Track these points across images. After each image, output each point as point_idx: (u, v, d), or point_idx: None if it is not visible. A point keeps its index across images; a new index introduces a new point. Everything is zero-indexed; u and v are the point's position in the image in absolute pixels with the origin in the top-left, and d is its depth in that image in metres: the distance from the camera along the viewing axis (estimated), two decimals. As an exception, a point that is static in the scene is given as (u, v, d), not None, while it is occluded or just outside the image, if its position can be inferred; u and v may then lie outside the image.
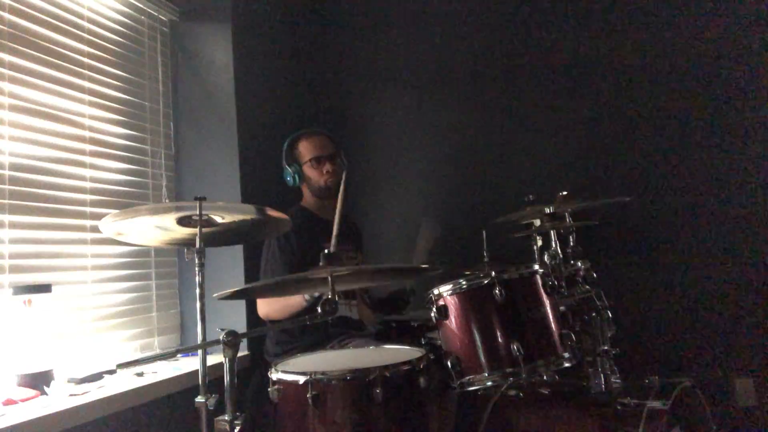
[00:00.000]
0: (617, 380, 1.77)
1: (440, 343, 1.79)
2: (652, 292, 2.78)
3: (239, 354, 1.46)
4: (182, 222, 1.52)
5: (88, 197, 2.00)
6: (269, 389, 1.51)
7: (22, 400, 1.53)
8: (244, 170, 2.46)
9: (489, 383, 1.67)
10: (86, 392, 1.66)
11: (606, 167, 2.90)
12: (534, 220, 2.03)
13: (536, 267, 1.78)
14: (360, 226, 2.63)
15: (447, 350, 1.73)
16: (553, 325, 1.71)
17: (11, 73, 1.75)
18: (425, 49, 3.24)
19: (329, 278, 1.40)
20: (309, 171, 2.34)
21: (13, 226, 1.71)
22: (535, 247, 1.99)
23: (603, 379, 1.76)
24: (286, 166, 2.35)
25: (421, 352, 1.59)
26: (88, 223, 1.98)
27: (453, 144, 3.18)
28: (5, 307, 1.62)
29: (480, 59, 3.14)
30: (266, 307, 2.14)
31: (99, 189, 2.06)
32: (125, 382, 1.80)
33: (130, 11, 2.31)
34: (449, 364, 1.69)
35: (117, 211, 1.48)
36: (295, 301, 2.01)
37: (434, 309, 1.75)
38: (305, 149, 2.35)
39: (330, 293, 1.37)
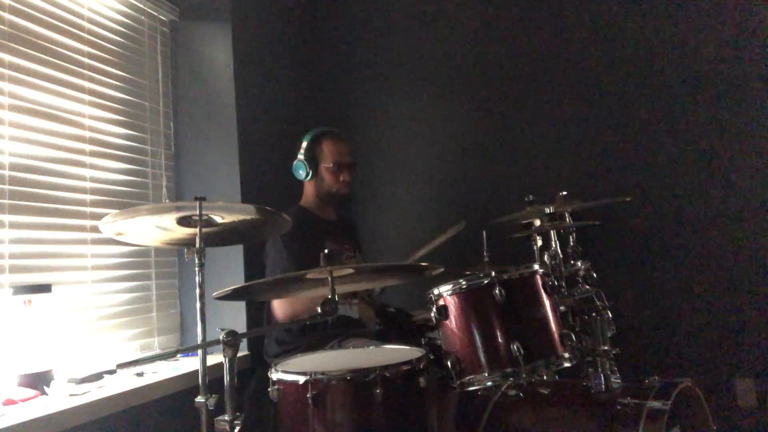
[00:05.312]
0: (617, 380, 1.77)
1: (440, 343, 1.79)
2: (652, 292, 2.78)
3: (239, 354, 1.46)
4: (182, 222, 1.52)
5: (88, 197, 2.00)
6: (269, 389, 1.51)
7: (22, 400, 1.53)
8: (244, 170, 2.45)
9: (489, 383, 1.67)
10: (86, 392, 1.66)
11: (606, 167, 2.89)
12: (534, 220, 2.03)
13: (536, 267, 1.77)
14: (357, 225, 2.63)
15: (447, 350, 1.73)
16: (553, 325, 1.71)
17: (11, 73, 1.75)
18: (426, 49, 3.24)
19: (329, 278, 1.40)
20: (326, 173, 2.33)
21: (13, 226, 1.71)
22: (535, 247, 1.99)
23: (603, 379, 1.76)
24: (303, 161, 2.33)
25: (421, 352, 1.59)
26: (88, 223, 1.98)
27: (453, 144, 3.18)
28: (5, 307, 1.62)
29: (480, 59, 3.14)
30: (289, 309, 2.12)
31: (99, 189, 2.06)
32: (125, 382, 1.80)
33: (130, 11, 2.31)
34: (449, 364, 1.69)
35: (117, 211, 1.48)
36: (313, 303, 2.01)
37: (434, 309, 1.75)
38: (329, 150, 2.33)
39: (331, 293, 1.38)
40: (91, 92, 2.06)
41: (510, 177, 3.02)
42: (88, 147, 2.02)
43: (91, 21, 2.10)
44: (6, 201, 1.70)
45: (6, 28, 1.75)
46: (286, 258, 2.15)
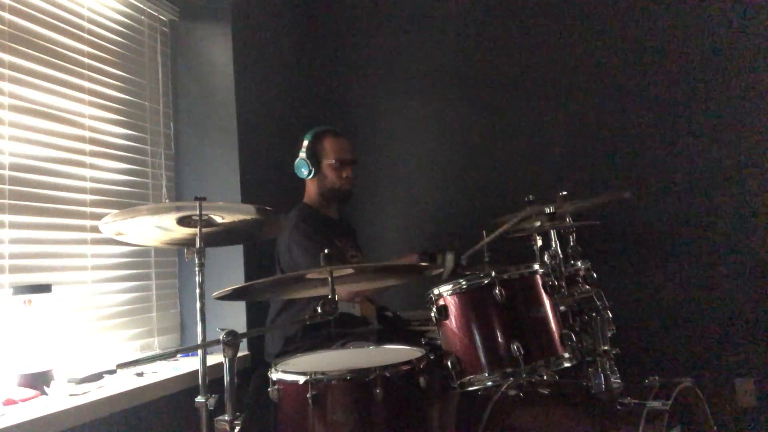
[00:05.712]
0: (617, 380, 1.77)
1: (440, 343, 1.79)
2: (652, 292, 2.78)
3: (239, 354, 1.46)
4: (182, 222, 1.52)
5: (88, 197, 2.00)
6: (269, 389, 1.51)
7: (22, 400, 1.53)
8: (244, 170, 2.46)
9: (489, 383, 1.67)
10: (86, 392, 1.66)
11: (606, 167, 2.90)
12: (534, 221, 2.02)
13: (536, 267, 1.77)
14: (354, 226, 2.63)
15: (447, 350, 1.72)
16: (553, 325, 1.70)
17: (11, 73, 1.75)
18: (426, 49, 3.24)
19: (329, 278, 1.40)
20: (329, 170, 2.34)
21: (13, 226, 1.71)
22: (535, 247, 1.98)
23: (603, 379, 1.75)
24: (306, 159, 2.34)
25: (421, 352, 1.59)
26: (88, 223, 1.98)
27: (453, 144, 3.18)
28: (5, 307, 1.62)
29: (480, 59, 3.14)
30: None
31: (99, 189, 2.06)
32: (125, 382, 1.80)
33: (130, 11, 2.31)
34: (449, 364, 1.69)
35: (117, 211, 1.48)
36: None
37: (434, 309, 1.75)
38: (331, 148, 2.35)
39: (330, 293, 1.38)
40: (91, 92, 2.06)
41: (510, 177, 3.02)
42: (88, 147, 2.02)
43: (91, 21, 2.10)
44: (6, 201, 1.69)
45: (6, 28, 1.74)
46: (318, 245, 2.11)
